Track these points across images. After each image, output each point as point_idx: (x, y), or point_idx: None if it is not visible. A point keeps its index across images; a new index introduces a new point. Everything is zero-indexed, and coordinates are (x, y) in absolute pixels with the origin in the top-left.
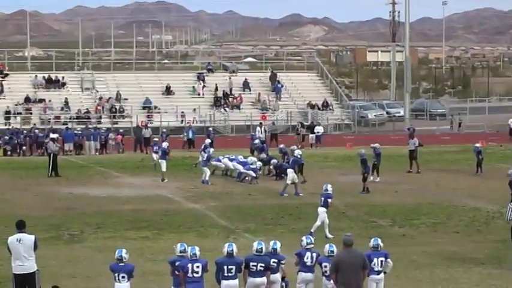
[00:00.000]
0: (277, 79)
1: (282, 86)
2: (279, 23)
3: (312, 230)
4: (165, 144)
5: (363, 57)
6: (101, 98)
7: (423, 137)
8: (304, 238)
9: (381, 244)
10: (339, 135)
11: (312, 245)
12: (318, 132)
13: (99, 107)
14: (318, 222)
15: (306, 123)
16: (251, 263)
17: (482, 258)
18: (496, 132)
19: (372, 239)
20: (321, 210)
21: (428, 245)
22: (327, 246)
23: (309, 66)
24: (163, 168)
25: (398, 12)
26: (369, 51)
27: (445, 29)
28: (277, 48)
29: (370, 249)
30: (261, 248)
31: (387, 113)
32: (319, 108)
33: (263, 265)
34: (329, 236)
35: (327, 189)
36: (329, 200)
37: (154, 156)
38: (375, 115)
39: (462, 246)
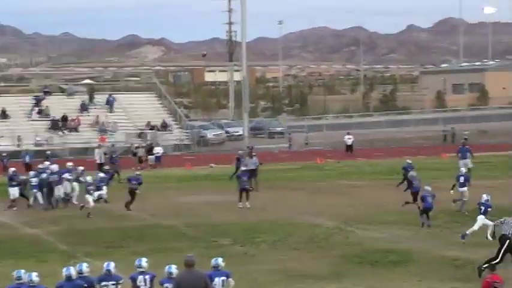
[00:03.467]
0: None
1: (114, 100)
2: (117, 44)
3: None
4: (11, 170)
5: (201, 77)
6: None
7: (262, 155)
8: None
9: (222, 264)
10: (179, 156)
11: (143, 269)
12: (157, 153)
13: None
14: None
15: (144, 145)
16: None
17: (322, 274)
18: (333, 149)
19: (213, 259)
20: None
21: (269, 262)
22: (166, 267)
23: (147, 87)
24: (12, 196)
25: (235, 32)
26: (207, 71)
27: (281, 48)
28: (115, 70)
29: (211, 269)
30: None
31: (226, 132)
32: (158, 129)
33: None
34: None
35: (487, 200)
36: (489, 209)
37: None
38: (214, 134)
39: (303, 262)
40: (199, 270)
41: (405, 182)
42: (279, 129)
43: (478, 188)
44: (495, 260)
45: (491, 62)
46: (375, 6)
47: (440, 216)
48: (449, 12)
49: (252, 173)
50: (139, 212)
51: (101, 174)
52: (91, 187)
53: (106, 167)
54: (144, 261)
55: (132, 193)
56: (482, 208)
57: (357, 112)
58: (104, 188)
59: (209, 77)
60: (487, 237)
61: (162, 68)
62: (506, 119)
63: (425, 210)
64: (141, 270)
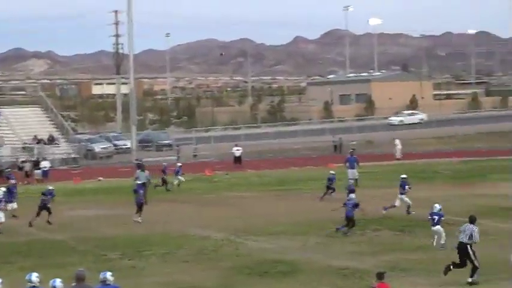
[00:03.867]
0: None
1: None
2: (2, 57)
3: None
4: None
5: (88, 90)
6: None
7: (151, 168)
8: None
9: (110, 278)
10: (66, 170)
11: (33, 284)
12: (44, 167)
13: None
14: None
15: (31, 159)
16: None
17: (212, 286)
18: (221, 161)
19: (101, 273)
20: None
21: (158, 275)
22: (51, 281)
23: (33, 100)
24: None
25: (122, 44)
26: (94, 84)
27: (169, 60)
28: (0, 83)
29: (99, 284)
30: None
31: (114, 145)
32: (45, 143)
33: None
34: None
35: (439, 209)
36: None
37: None
38: (102, 148)
39: (192, 274)
40: (89, 284)
41: (329, 192)
42: (167, 141)
43: (364, 197)
44: (477, 267)
45: (377, 73)
46: (262, 18)
47: (330, 226)
48: (336, 23)
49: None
50: (27, 227)
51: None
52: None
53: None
54: (34, 276)
55: (43, 207)
56: (436, 218)
57: (245, 124)
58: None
59: (96, 89)
60: (433, 243)
61: (48, 81)
62: (392, 128)
63: (347, 218)
64: (32, 285)
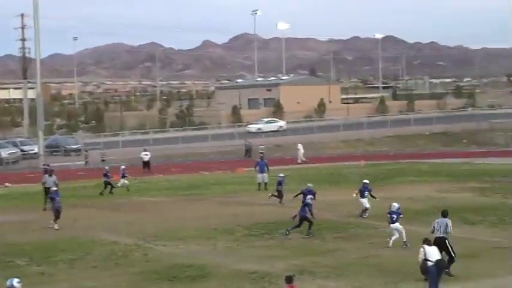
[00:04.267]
0: None
1: None
2: None
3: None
4: None
5: None
6: None
7: (59, 172)
8: None
9: (17, 285)
10: None
11: None
12: None
13: None
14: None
15: None
16: None
17: None
18: (130, 165)
19: (8, 280)
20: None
21: (67, 281)
22: (7, 281)
23: None
24: None
25: (29, 48)
26: (1, 89)
27: (76, 64)
28: None
29: None
30: None
31: (21, 150)
32: None
33: None
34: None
35: (398, 208)
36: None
37: None
38: (8, 153)
39: (101, 280)
40: None
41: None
42: (74, 146)
43: (275, 201)
44: (452, 260)
45: (285, 77)
46: (170, 22)
47: (238, 230)
48: (245, 28)
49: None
50: None
51: None
52: None
53: None
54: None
55: None
56: (395, 216)
57: (153, 128)
58: None
59: (3, 94)
60: (389, 243)
61: None
62: (300, 132)
63: (302, 219)
64: None
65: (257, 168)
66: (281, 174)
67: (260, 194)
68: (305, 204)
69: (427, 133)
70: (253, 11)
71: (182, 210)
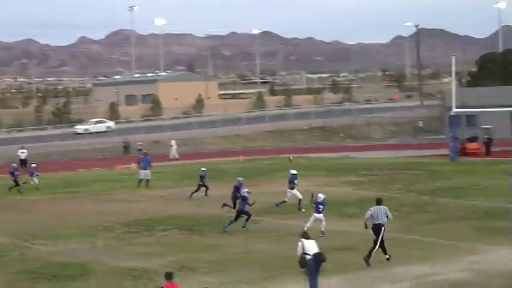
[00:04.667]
0: None
1: None
2: None
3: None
4: None
5: None
6: None
7: None
8: None
9: None
10: None
11: None
12: None
13: None
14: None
15: None
16: None
17: None
18: (6, 164)
19: None
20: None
21: None
22: None
23: None
24: None
25: None
26: None
27: None
28: None
29: None
30: None
31: None
32: None
33: None
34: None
35: (323, 199)
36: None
37: None
38: None
39: None
40: None
41: (201, 189)
42: None
43: (154, 198)
44: (374, 247)
45: (163, 73)
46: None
47: (118, 227)
48: (121, 24)
49: None
50: None
51: None
52: None
53: None
54: None
55: None
56: (321, 207)
57: (30, 126)
58: None
59: None
60: (323, 233)
61: None
62: (179, 128)
63: (240, 212)
64: None
65: (140, 164)
66: (203, 169)
67: (140, 191)
68: (242, 198)
69: (305, 128)
70: (130, 7)
71: (60, 209)
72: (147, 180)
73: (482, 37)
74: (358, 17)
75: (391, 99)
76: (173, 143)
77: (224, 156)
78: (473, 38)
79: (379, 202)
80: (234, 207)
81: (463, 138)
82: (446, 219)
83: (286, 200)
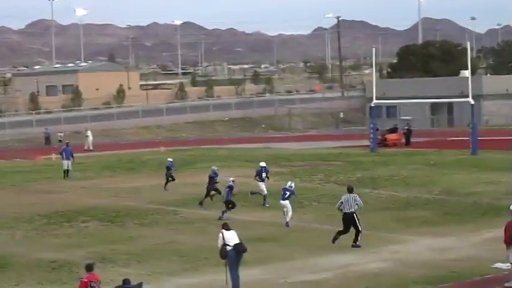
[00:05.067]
0: None
1: None
2: None
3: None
4: None
5: None
6: None
7: None
8: None
9: None
10: None
11: None
12: None
13: None
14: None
15: None
16: None
17: None
18: None
19: None
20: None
21: None
22: None
23: None
24: None
25: None
26: None
27: None
28: None
29: None
30: None
31: None
32: None
33: None
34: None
35: (291, 186)
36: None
37: None
38: None
39: None
40: None
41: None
42: None
43: (76, 189)
44: (360, 231)
45: (83, 63)
46: None
47: (38, 218)
48: (42, 13)
49: None
50: None
51: None
52: None
53: None
54: None
55: None
56: (287, 193)
57: None
58: None
59: None
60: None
61: None
62: (100, 119)
63: (228, 202)
64: None
65: (63, 155)
66: (170, 159)
67: (61, 182)
68: (229, 187)
69: (226, 119)
70: None
71: None
72: (68, 171)
73: (402, 29)
74: (280, 8)
75: (312, 90)
76: (89, 133)
77: (145, 147)
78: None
79: (350, 190)
80: (211, 198)
81: (383, 129)
82: (367, 209)
83: (265, 192)
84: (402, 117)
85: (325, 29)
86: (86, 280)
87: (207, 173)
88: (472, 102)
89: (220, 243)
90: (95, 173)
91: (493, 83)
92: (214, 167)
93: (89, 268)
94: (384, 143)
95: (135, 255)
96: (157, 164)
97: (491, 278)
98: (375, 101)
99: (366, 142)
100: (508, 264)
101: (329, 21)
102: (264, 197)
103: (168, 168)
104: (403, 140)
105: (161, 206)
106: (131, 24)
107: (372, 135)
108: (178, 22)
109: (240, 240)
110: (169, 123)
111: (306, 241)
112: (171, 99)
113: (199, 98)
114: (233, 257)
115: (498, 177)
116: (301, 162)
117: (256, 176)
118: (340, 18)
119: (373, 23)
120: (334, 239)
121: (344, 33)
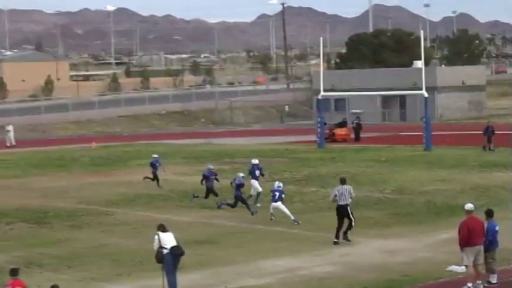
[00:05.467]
0: None
1: None
2: None
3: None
4: None
5: None
6: None
7: None
8: None
9: None
10: None
11: None
12: None
13: None
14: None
15: None
16: None
17: None
18: None
19: None
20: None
21: None
22: None
23: None
24: None
25: None
26: None
27: None
28: None
29: None
30: None
31: None
32: None
33: None
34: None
35: (279, 186)
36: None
37: None
38: None
39: None
40: None
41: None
42: None
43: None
44: (351, 226)
45: (8, 52)
46: None
47: None
48: None
49: None
50: None
51: None
52: None
53: None
54: None
55: None
56: (277, 194)
57: None
58: None
59: None
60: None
61: None
62: (27, 112)
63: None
64: None
65: None
66: (155, 155)
67: None
68: (238, 185)
69: (163, 112)
70: None
71: None
72: None
73: (352, 16)
74: None
75: (255, 82)
76: (10, 128)
77: (75, 143)
78: (342, 17)
79: (343, 181)
80: (215, 194)
81: (331, 124)
82: (314, 209)
83: (260, 190)
84: (351, 111)
85: (270, 16)
86: (10, 286)
87: (143, 171)
88: (426, 94)
89: (156, 246)
90: (20, 171)
91: (448, 74)
92: (210, 166)
93: (14, 273)
94: (332, 138)
95: (64, 260)
96: (89, 161)
97: (446, 281)
98: (322, 93)
99: (313, 137)
100: (463, 267)
101: (274, 8)
102: (258, 194)
103: (153, 165)
104: (353, 135)
105: (93, 207)
106: (61, 10)
107: (319, 130)
108: (111, 8)
109: (177, 242)
110: (102, 117)
111: (248, 243)
112: (103, 91)
113: (134, 90)
114: (170, 261)
115: (453, 174)
116: (243, 159)
117: (249, 175)
118: (285, 5)
119: (321, 10)
120: (337, 238)
121: (290, 21)
